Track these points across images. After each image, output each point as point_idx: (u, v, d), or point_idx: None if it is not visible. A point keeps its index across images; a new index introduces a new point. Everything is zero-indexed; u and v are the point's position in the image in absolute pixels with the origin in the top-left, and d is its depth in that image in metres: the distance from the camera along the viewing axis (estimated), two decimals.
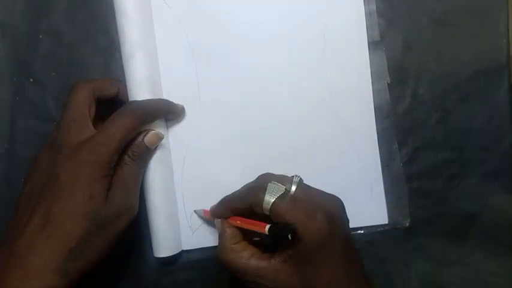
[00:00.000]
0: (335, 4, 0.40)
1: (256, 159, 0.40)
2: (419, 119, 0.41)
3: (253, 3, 0.40)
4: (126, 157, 0.34)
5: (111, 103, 0.37)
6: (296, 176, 0.34)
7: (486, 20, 0.40)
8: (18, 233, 0.31)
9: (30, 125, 0.40)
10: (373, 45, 0.40)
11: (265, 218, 0.33)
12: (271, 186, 0.33)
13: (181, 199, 0.40)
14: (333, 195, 0.34)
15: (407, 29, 0.40)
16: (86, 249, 0.31)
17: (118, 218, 0.32)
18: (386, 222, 0.40)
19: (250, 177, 0.37)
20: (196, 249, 0.40)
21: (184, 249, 0.40)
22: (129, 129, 0.33)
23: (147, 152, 0.36)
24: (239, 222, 0.35)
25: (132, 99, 0.36)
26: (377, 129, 0.40)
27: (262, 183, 0.34)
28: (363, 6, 0.40)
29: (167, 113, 0.38)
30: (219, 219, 0.36)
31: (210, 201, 0.39)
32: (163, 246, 0.37)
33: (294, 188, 0.33)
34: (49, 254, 0.30)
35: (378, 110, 0.40)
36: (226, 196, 0.37)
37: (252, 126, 0.40)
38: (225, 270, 0.34)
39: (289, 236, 0.29)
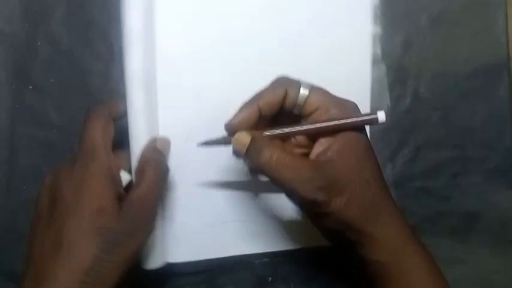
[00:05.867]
0: (341, 19, 0.39)
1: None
2: (420, 117, 0.41)
3: (255, 12, 0.39)
4: (146, 168, 0.32)
5: None
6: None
7: (485, 17, 0.40)
8: (33, 262, 0.29)
9: (30, 132, 0.40)
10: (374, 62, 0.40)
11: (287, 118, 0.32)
12: (301, 79, 0.32)
13: (169, 210, 0.38)
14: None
15: (407, 28, 0.40)
16: (102, 269, 0.28)
17: (133, 235, 0.30)
18: None
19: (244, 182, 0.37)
20: (183, 263, 0.38)
21: (170, 261, 0.38)
22: (105, 131, 0.31)
23: (163, 160, 0.33)
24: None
25: (128, 90, 0.34)
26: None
27: (284, 79, 0.32)
28: (369, 24, 0.39)
29: None
30: (242, 132, 0.31)
31: (197, 214, 0.38)
32: (149, 257, 0.35)
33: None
34: (65, 280, 0.28)
35: None
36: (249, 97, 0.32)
37: None
38: (273, 173, 0.30)
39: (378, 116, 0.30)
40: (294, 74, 0.34)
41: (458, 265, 0.40)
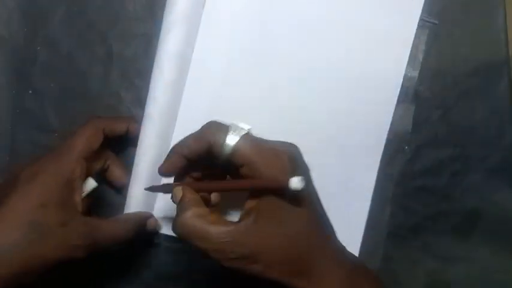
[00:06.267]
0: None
1: None
2: (421, 116, 0.40)
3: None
4: (121, 222, 0.35)
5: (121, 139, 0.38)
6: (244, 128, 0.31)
7: (484, 15, 0.40)
8: None
9: (30, 137, 0.40)
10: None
11: (218, 165, 0.30)
12: (233, 125, 0.30)
13: (163, 197, 0.38)
14: (289, 142, 0.31)
15: None
16: (18, 256, 0.28)
17: (71, 244, 0.30)
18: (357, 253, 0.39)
19: None
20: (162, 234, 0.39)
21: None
22: (90, 140, 0.34)
23: (140, 230, 0.36)
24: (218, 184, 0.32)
25: (157, 72, 0.37)
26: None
27: (212, 127, 0.30)
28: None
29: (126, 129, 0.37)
30: (179, 188, 0.31)
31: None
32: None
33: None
34: None
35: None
36: (177, 143, 0.31)
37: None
38: (185, 240, 0.29)
39: (291, 183, 0.26)
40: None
41: (458, 263, 0.40)
